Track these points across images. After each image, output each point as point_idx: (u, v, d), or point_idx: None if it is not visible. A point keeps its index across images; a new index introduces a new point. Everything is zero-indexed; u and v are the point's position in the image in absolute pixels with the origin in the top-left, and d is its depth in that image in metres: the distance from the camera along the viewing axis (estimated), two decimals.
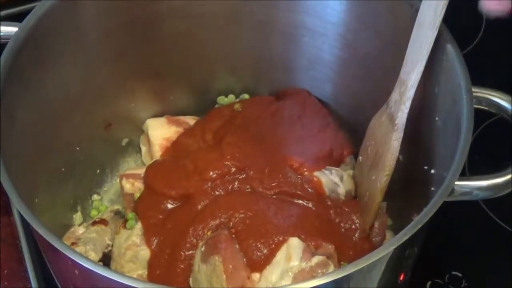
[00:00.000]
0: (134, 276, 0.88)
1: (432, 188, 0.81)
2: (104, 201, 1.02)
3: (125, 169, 1.04)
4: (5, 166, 0.73)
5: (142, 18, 0.95)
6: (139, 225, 0.90)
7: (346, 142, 0.98)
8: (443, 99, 0.83)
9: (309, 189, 0.91)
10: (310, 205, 0.89)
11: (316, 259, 0.81)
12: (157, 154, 0.99)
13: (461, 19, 0.96)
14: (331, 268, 0.81)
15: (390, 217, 0.93)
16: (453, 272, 0.97)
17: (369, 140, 0.92)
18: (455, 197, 0.76)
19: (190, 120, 1.03)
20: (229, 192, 0.91)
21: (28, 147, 0.85)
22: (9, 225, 1.02)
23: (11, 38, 0.83)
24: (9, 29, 0.84)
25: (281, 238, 0.82)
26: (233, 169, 0.92)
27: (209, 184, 0.91)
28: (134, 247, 0.89)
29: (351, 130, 1.01)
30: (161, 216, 0.91)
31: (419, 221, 0.69)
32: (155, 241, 0.89)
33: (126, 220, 0.92)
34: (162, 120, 1.03)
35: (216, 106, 1.07)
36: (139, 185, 0.96)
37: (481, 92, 0.81)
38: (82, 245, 0.89)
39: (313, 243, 0.83)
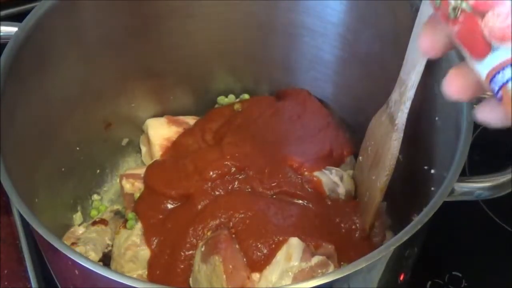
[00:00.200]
0: (134, 276, 0.88)
1: (432, 188, 0.81)
2: (104, 201, 1.02)
3: (125, 169, 1.03)
4: (5, 166, 0.73)
5: (142, 18, 0.95)
6: (139, 225, 0.90)
7: (346, 142, 0.98)
8: (443, 99, 0.82)
9: (309, 189, 0.91)
10: (310, 205, 0.89)
11: (316, 259, 0.81)
12: (157, 154, 0.99)
13: None
14: (331, 268, 0.81)
15: (390, 217, 0.93)
16: (453, 272, 0.97)
17: (369, 140, 0.92)
18: (455, 197, 0.76)
19: (190, 120, 1.03)
20: (229, 192, 0.91)
21: (28, 147, 0.85)
22: (9, 225, 1.02)
23: (11, 38, 0.83)
24: (9, 29, 0.84)
25: (281, 238, 0.82)
26: (233, 169, 0.92)
27: (209, 184, 0.91)
28: (134, 247, 0.89)
29: (351, 130, 1.01)
30: (161, 216, 0.91)
31: (419, 221, 0.69)
32: (155, 241, 0.89)
33: (126, 220, 0.92)
34: (162, 120, 1.03)
35: (216, 106, 1.07)
36: (139, 185, 0.96)
37: None
38: (82, 245, 0.89)
39: (313, 243, 0.83)
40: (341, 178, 0.93)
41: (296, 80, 1.04)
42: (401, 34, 0.84)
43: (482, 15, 0.50)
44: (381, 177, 0.87)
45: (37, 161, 0.87)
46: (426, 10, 0.79)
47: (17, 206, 0.72)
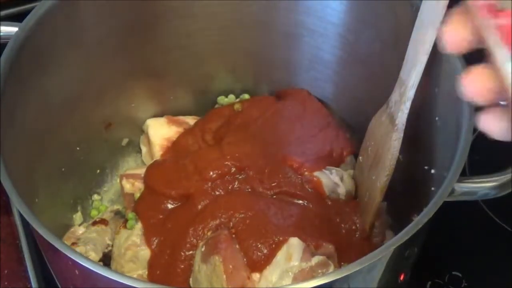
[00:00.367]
0: (134, 276, 0.88)
1: (432, 188, 0.81)
2: (104, 201, 1.02)
3: (125, 169, 1.03)
4: (5, 166, 0.73)
5: (142, 18, 0.95)
6: (139, 225, 0.90)
7: (346, 142, 0.98)
8: (443, 99, 0.83)
9: (309, 189, 0.91)
10: (310, 205, 0.89)
11: (316, 259, 0.81)
12: (157, 154, 1.00)
13: None
14: (331, 268, 0.81)
15: (390, 217, 0.93)
16: (453, 272, 0.97)
17: (369, 140, 0.92)
18: (455, 197, 0.76)
19: (190, 120, 1.03)
20: (229, 192, 0.91)
21: (28, 147, 0.85)
22: (9, 225, 1.02)
23: (11, 38, 0.83)
24: (9, 29, 0.84)
25: (281, 238, 0.82)
26: (233, 169, 0.92)
27: (209, 184, 0.91)
28: (134, 247, 0.89)
29: (351, 130, 1.01)
30: (161, 216, 0.91)
31: (419, 221, 0.69)
32: (155, 241, 0.89)
33: (126, 220, 0.92)
34: (162, 120, 1.03)
35: (216, 106, 1.07)
36: (139, 185, 0.96)
37: None
38: (82, 245, 0.89)
39: (313, 243, 0.83)
40: (341, 178, 0.93)
41: (296, 80, 1.04)
42: (401, 34, 0.84)
43: None
44: (381, 177, 0.87)
45: (37, 161, 0.87)
46: (426, 10, 0.79)
47: (17, 206, 0.72)
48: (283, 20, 0.99)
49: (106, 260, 0.92)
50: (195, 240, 0.86)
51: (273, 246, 0.82)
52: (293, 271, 0.80)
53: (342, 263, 0.84)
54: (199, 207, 0.89)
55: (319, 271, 0.80)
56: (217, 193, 0.90)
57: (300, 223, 0.85)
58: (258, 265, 0.82)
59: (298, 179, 0.91)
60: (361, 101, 0.99)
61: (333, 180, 0.92)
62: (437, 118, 0.84)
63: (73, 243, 0.89)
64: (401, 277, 0.81)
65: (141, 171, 0.97)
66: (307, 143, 0.96)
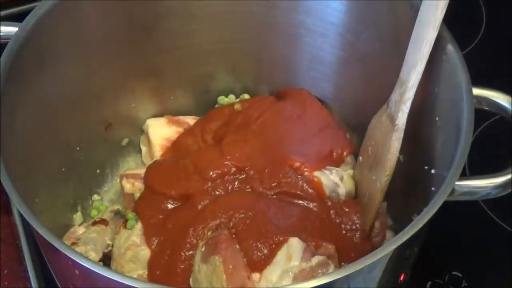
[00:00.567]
0: (134, 276, 0.88)
1: (432, 188, 0.81)
2: (104, 201, 1.02)
3: (125, 169, 1.03)
4: (5, 166, 0.73)
5: (142, 19, 0.95)
6: (139, 225, 0.90)
7: (346, 142, 0.98)
8: (443, 99, 0.83)
9: (309, 189, 0.91)
10: (311, 205, 0.89)
11: (316, 259, 0.81)
12: (157, 154, 1.00)
13: (461, 19, 0.96)
14: (332, 268, 0.81)
15: (390, 217, 0.93)
16: (453, 272, 0.97)
17: (369, 140, 0.92)
18: (455, 197, 0.76)
19: (190, 120, 1.03)
20: (229, 192, 0.91)
21: (28, 147, 0.85)
22: (9, 225, 1.02)
23: (11, 38, 0.83)
24: (9, 29, 0.84)
25: (281, 238, 0.82)
26: (233, 169, 0.92)
27: (209, 184, 0.91)
28: (134, 247, 0.89)
29: (351, 130, 1.01)
30: (161, 216, 0.91)
31: (419, 221, 0.69)
32: (155, 241, 0.89)
33: (126, 220, 0.92)
34: (162, 120, 1.03)
35: (216, 106, 1.07)
36: (139, 185, 0.96)
37: (481, 92, 0.81)
38: (82, 245, 0.89)
39: (313, 243, 0.83)
40: (342, 178, 0.93)
41: (296, 80, 1.04)
42: (401, 34, 0.84)
43: None
44: (381, 177, 0.87)
45: (37, 161, 0.87)
46: (426, 10, 0.79)
47: (17, 206, 0.72)
48: (283, 20, 0.99)
49: (106, 260, 0.92)
50: (195, 240, 0.86)
51: (273, 246, 0.82)
52: (293, 271, 0.80)
53: (342, 263, 0.84)
54: (199, 207, 0.89)
55: (319, 271, 0.80)
56: (217, 193, 0.91)
57: (300, 223, 0.85)
58: (258, 265, 0.82)
59: (298, 179, 0.91)
60: (361, 101, 0.99)
61: (333, 180, 0.92)
62: (437, 118, 0.84)
63: (73, 243, 0.89)
64: (401, 277, 0.81)
65: (141, 171, 0.97)
66: (307, 143, 0.96)
